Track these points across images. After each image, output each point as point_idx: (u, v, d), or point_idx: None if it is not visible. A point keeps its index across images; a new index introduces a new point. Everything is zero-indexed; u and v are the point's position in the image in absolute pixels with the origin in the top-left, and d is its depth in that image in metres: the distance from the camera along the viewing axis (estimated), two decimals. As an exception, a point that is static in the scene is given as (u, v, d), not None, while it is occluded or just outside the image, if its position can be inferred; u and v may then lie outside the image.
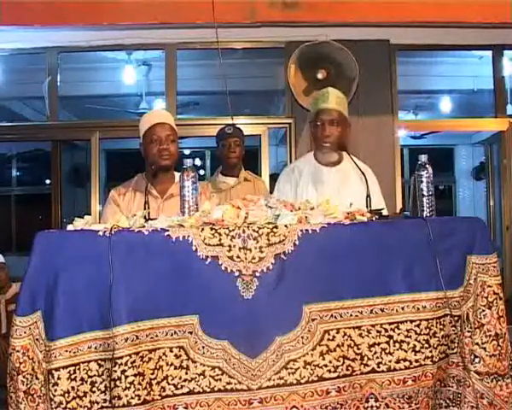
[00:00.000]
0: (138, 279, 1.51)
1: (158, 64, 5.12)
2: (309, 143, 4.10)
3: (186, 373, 1.51)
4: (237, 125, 3.46)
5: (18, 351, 1.46)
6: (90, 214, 1.77)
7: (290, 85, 4.12)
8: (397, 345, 1.57)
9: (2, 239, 7.25)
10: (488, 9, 3.63)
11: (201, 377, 1.51)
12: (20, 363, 1.45)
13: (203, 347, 1.52)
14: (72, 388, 1.45)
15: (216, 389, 1.51)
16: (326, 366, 1.53)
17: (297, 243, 1.56)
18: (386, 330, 1.57)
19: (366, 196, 2.05)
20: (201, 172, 8.42)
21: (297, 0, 3.64)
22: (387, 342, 1.57)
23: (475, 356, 1.62)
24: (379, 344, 1.57)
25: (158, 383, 1.49)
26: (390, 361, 1.56)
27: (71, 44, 4.32)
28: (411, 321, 1.58)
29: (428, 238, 1.61)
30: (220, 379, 1.51)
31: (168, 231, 1.54)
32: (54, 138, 4.85)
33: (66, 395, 1.45)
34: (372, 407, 1.56)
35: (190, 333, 1.52)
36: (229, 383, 1.51)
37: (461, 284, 1.64)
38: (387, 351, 1.57)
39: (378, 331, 1.57)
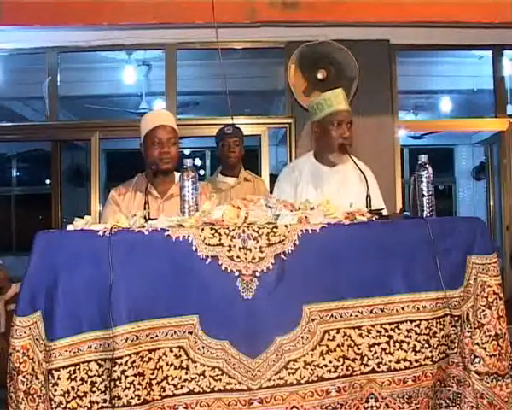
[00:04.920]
0: (138, 279, 1.51)
1: (158, 64, 5.12)
2: (309, 143, 4.09)
3: (186, 373, 1.51)
4: (237, 125, 3.46)
5: (18, 351, 1.46)
6: (90, 214, 1.77)
7: (290, 85, 4.12)
8: (397, 345, 1.57)
9: (2, 239, 7.26)
10: (488, 9, 3.64)
11: (201, 377, 1.51)
12: (20, 363, 1.45)
13: (203, 347, 1.52)
14: (72, 388, 1.45)
15: (216, 389, 1.51)
16: (326, 366, 1.53)
17: (297, 243, 1.56)
18: (386, 331, 1.57)
19: (366, 195, 2.05)
20: (201, 172, 8.42)
21: (297, 0, 3.64)
22: (387, 342, 1.57)
23: (475, 356, 1.62)
24: (379, 344, 1.57)
25: (158, 384, 1.49)
26: (390, 361, 1.56)
27: (71, 44, 4.33)
28: (411, 321, 1.58)
29: (428, 238, 1.61)
30: (220, 379, 1.51)
31: (168, 231, 1.54)
32: (54, 138, 4.85)
33: (66, 395, 1.45)
34: (372, 407, 1.56)
35: (190, 333, 1.52)
36: (229, 384, 1.51)
37: (461, 284, 1.64)
38: (387, 351, 1.57)
39: (378, 331, 1.57)
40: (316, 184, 2.35)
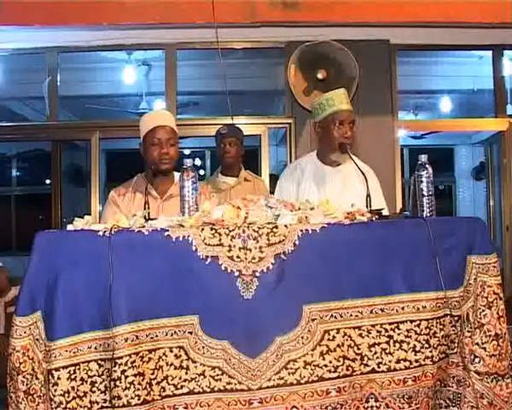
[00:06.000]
0: (138, 279, 1.51)
1: (158, 64, 5.12)
2: (309, 143, 4.11)
3: (186, 373, 1.51)
4: (236, 125, 3.46)
5: (18, 351, 1.46)
6: (90, 214, 1.77)
7: (290, 85, 4.12)
8: (397, 345, 1.57)
9: (2, 239, 7.25)
10: (488, 9, 3.64)
11: (201, 377, 1.51)
12: (20, 363, 1.45)
13: (203, 347, 1.52)
14: (72, 388, 1.45)
15: (216, 389, 1.51)
16: (326, 366, 1.53)
17: (297, 243, 1.56)
18: (386, 331, 1.57)
19: (366, 195, 2.05)
20: (201, 172, 8.42)
21: (297, 0, 3.64)
22: (387, 343, 1.57)
23: (475, 356, 1.62)
24: (379, 344, 1.57)
25: (158, 384, 1.49)
26: (390, 361, 1.56)
27: (71, 44, 4.32)
28: (411, 321, 1.58)
29: (428, 238, 1.61)
30: (220, 379, 1.51)
31: (168, 231, 1.54)
32: (54, 138, 4.85)
33: (66, 395, 1.45)
34: (372, 407, 1.56)
35: (190, 333, 1.52)
36: (229, 384, 1.51)
37: (461, 284, 1.64)
38: (387, 351, 1.57)
39: (378, 331, 1.57)
40: (318, 183, 2.36)
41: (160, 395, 1.49)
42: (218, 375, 1.51)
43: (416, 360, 1.57)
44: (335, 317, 1.56)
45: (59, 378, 1.44)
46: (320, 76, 4.10)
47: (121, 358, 1.45)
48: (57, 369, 1.45)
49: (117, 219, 1.61)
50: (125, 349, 1.45)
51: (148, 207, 2.03)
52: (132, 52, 5.08)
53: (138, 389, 1.45)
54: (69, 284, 1.48)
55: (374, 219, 1.71)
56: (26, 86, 5.37)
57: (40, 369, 1.47)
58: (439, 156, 8.19)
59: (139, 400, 1.45)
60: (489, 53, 4.75)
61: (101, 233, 1.52)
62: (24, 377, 1.45)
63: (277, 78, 4.79)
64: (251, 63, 5.34)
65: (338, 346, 1.55)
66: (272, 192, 2.58)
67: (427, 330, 1.58)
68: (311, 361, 1.53)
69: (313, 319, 1.55)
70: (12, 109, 6.06)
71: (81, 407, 1.46)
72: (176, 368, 1.51)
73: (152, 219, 1.66)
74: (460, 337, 1.63)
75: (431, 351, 1.57)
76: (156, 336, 1.50)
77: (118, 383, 1.44)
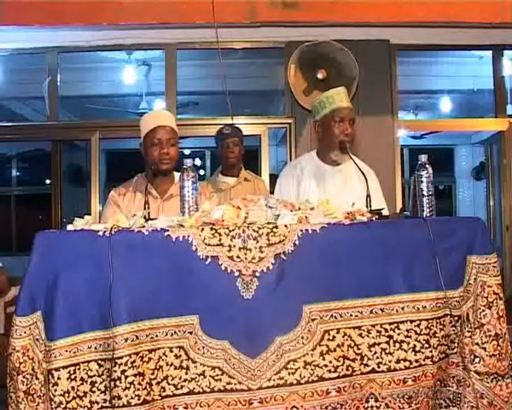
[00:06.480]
0: (138, 279, 1.51)
1: (158, 64, 5.12)
2: (309, 142, 4.11)
3: (186, 373, 1.51)
4: (236, 125, 3.46)
5: (18, 351, 1.46)
6: (90, 214, 1.78)
7: (290, 85, 4.12)
8: (397, 345, 1.57)
9: (3, 239, 7.26)
10: (488, 9, 3.64)
11: (201, 377, 1.51)
12: (20, 363, 1.45)
13: (203, 347, 1.52)
14: (72, 388, 1.45)
15: (216, 389, 1.51)
16: (326, 366, 1.53)
17: (297, 242, 1.56)
18: (386, 331, 1.57)
19: (366, 195, 2.05)
20: (201, 172, 8.43)
21: (297, 0, 3.64)
22: (387, 342, 1.57)
23: (475, 356, 1.62)
24: (379, 344, 1.57)
25: (158, 384, 1.49)
26: (390, 361, 1.56)
27: (71, 44, 4.33)
28: (411, 321, 1.58)
29: (428, 238, 1.61)
30: (220, 379, 1.51)
31: (168, 231, 1.54)
32: (54, 138, 4.85)
33: (66, 395, 1.45)
34: (372, 407, 1.56)
35: (190, 333, 1.52)
36: (229, 384, 1.51)
37: (461, 284, 1.64)
38: (387, 351, 1.57)
39: (378, 331, 1.57)
40: (318, 182, 2.36)
41: (160, 395, 1.49)
42: (218, 375, 1.51)
43: (416, 360, 1.57)
44: (335, 317, 1.56)
45: (59, 378, 1.44)
46: (320, 76, 4.10)
47: (121, 358, 1.45)
48: (57, 369, 1.45)
49: (117, 219, 1.61)
50: (125, 349, 1.45)
51: (148, 207, 2.03)
52: (132, 52, 5.08)
53: (138, 389, 1.45)
54: (69, 284, 1.48)
55: (374, 219, 1.71)
56: (26, 86, 5.37)
57: (40, 369, 1.47)
58: (439, 156, 8.20)
59: (139, 400, 1.45)
60: (489, 53, 4.75)
61: (101, 233, 1.52)
62: (24, 377, 1.45)
63: (277, 78, 4.79)
64: (251, 63, 5.34)
65: (338, 346, 1.55)
66: (272, 192, 2.58)
67: (427, 330, 1.58)
68: (311, 361, 1.53)
69: (313, 319, 1.55)
70: (12, 109, 6.06)
71: (81, 407, 1.46)
72: (176, 368, 1.51)
73: (152, 219, 1.66)
74: (460, 337, 1.63)
75: (431, 351, 1.57)
76: (156, 336, 1.50)
77: (118, 383, 1.44)
